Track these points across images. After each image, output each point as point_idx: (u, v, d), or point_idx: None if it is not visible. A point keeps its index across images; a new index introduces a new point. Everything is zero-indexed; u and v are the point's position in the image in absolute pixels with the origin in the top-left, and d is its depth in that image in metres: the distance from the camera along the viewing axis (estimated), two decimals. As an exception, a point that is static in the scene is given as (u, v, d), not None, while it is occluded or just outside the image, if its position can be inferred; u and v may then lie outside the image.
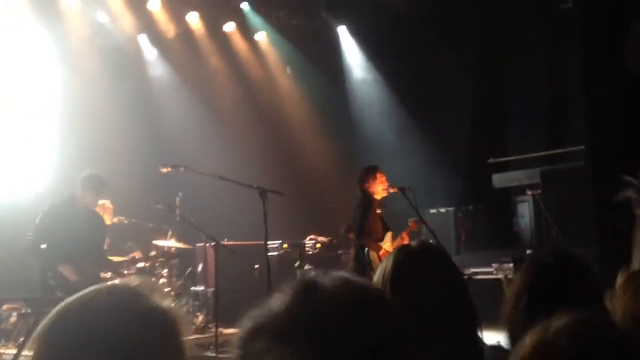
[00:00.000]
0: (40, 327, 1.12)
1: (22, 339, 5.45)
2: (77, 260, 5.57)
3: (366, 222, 6.55)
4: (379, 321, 0.89)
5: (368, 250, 6.50)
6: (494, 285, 7.35)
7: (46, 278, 5.51)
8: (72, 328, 1.10)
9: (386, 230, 6.74)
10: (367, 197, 6.64)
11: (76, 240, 5.58)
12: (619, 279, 2.40)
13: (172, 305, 1.17)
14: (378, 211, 6.73)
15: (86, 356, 1.07)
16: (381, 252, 6.47)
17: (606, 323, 1.01)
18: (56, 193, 7.01)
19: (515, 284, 2.00)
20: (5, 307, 5.57)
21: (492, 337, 2.03)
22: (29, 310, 4.90)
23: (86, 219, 5.86)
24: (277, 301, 0.90)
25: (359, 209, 6.62)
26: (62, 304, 1.13)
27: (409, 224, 6.74)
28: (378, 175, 6.68)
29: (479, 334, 1.85)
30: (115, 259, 7.16)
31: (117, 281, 1.21)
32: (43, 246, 5.54)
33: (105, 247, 6.77)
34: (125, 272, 7.13)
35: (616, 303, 2.15)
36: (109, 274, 6.23)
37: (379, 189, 6.65)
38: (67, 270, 5.51)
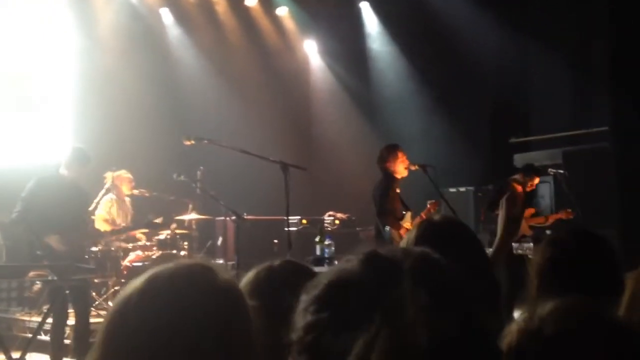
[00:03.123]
0: (122, 298, 1.16)
1: (46, 308, 5.56)
2: (63, 231, 5.66)
3: (387, 202, 6.51)
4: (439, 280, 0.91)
5: (390, 230, 6.49)
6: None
7: (33, 248, 5.61)
8: (159, 302, 1.14)
9: (405, 209, 6.73)
10: (388, 177, 6.62)
11: (61, 213, 5.66)
12: None
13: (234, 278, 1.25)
14: (397, 190, 6.72)
15: (176, 327, 1.12)
16: (402, 231, 6.46)
17: (591, 309, 1.00)
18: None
19: (535, 263, 2.00)
20: (31, 274, 5.68)
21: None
22: (55, 278, 5.00)
23: (71, 193, 5.94)
24: (348, 263, 0.92)
25: (379, 189, 6.58)
26: (145, 277, 1.17)
27: (428, 205, 6.68)
28: (399, 154, 6.62)
29: (502, 307, 1.86)
30: (140, 232, 7.27)
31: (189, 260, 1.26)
32: (29, 217, 5.64)
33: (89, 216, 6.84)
34: (144, 243, 7.23)
35: None
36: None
37: (400, 168, 6.60)
38: (53, 240, 5.62)
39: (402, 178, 6.67)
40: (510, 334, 0.99)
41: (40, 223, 5.60)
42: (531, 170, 7.74)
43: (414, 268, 0.88)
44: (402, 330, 0.82)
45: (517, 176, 7.80)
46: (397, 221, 6.52)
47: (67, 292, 5.48)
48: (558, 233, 2.15)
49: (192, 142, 5.80)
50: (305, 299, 0.89)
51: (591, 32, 8.53)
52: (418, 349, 0.81)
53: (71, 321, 5.89)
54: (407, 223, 6.52)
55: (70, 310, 5.84)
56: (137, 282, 1.17)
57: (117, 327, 1.14)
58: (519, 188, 7.73)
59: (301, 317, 0.88)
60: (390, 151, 6.67)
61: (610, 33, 7.48)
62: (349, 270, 0.89)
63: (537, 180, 7.74)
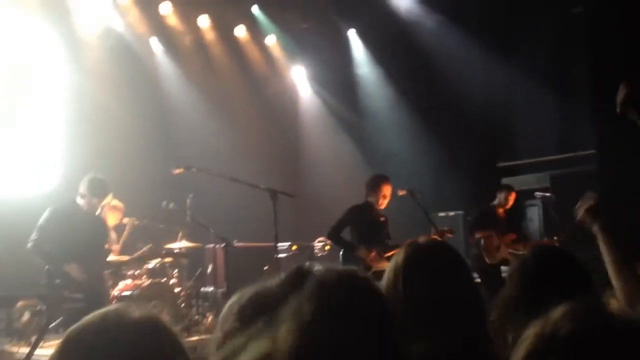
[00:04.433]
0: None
1: (34, 338, 5.51)
2: (82, 260, 5.64)
3: (342, 222, 6.73)
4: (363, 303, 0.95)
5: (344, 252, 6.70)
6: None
7: (52, 277, 5.58)
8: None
9: (386, 238, 6.85)
10: (367, 203, 6.81)
11: (79, 243, 5.65)
12: None
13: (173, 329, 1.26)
14: (382, 219, 6.84)
15: None
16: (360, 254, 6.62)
17: (602, 308, 1.03)
18: (65, 193, 7.08)
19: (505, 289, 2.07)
20: (20, 303, 5.65)
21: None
22: (44, 307, 4.97)
23: (88, 223, 5.93)
24: (273, 280, 1.00)
25: (347, 211, 6.81)
26: (62, 339, 1.21)
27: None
28: (384, 186, 6.80)
29: (488, 328, 1.88)
30: (124, 258, 7.21)
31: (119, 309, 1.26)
32: (47, 247, 5.62)
33: (108, 246, 6.82)
34: (133, 272, 7.18)
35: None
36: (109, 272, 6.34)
37: (380, 199, 6.78)
38: (72, 269, 5.59)
39: (382, 208, 6.83)
40: (527, 339, 1.00)
41: (59, 252, 5.59)
42: (503, 188, 7.93)
43: (322, 285, 0.94)
44: (277, 339, 0.88)
45: (495, 201, 7.96)
46: (347, 242, 6.72)
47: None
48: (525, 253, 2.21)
49: (181, 170, 5.83)
50: (231, 307, 0.98)
51: (575, 53, 8.66)
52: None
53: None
54: (373, 253, 6.61)
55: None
56: (55, 347, 1.21)
57: None
58: (501, 211, 7.90)
59: (222, 324, 0.99)
60: (376, 180, 6.88)
61: (593, 54, 7.62)
62: (267, 285, 0.97)
63: (513, 195, 7.90)
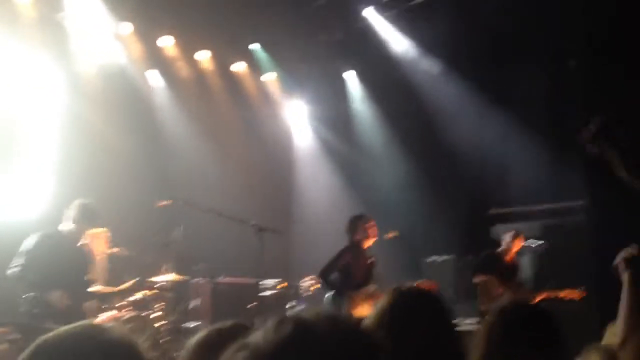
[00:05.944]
0: None
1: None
2: (67, 287, 5.56)
3: (334, 264, 6.68)
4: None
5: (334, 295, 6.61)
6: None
7: (31, 306, 5.48)
8: None
9: (372, 280, 6.79)
10: (352, 245, 6.71)
11: (64, 270, 5.58)
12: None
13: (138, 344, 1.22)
14: (368, 261, 6.76)
15: None
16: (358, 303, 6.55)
17: None
18: (53, 220, 7.01)
19: (479, 330, 2.06)
20: (-5, 331, 5.53)
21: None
22: (18, 336, 4.87)
23: (73, 250, 5.87)
24: (260, 336, 0.94)
25: (337, 254, 6.76)
26: (34, 344, 1.18)
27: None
28: (368, 223, 6.74)
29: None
30: (109, 289, 7.11)
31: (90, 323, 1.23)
32: (31, 273, 5.53)
33: (91, 276, 6.73)
34: (117, 304, 7.07)
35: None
36: (95, 305, 6.23)
37: (367, 236, 6.70)
38: (57, 297, 5.49)
39: (368, 247, 6.76)
40: None
41: (43, 279, 5.49)
42: (508, 232, 7.83)
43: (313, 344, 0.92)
44: None
45: (501, 247, 7.86)
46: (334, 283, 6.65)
47: None
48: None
49: (166, 203, 5.81)
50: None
51: (567, 107, 8.75)
52: None
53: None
54: (360, 296, 6.54)
55: None
56: (26, 351, 1.17)
57: None
58: (508, 258, 7.79)
59: None
60: (358, 221, 6.85)
61: (585, 106, 7.70)
62: (257, 343, 0.93)
63: (519, 242, 7.80)
